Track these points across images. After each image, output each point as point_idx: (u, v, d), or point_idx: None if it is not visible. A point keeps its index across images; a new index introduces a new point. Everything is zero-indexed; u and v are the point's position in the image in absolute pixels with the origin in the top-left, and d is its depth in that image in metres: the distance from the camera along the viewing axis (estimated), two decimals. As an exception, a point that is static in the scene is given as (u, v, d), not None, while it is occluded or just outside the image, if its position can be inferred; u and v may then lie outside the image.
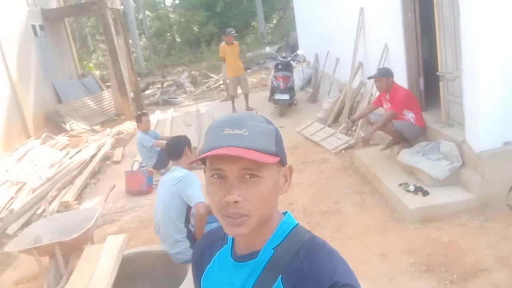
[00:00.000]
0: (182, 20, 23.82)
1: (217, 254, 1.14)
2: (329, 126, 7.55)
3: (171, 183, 3.48)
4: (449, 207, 4.22)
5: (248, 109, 9.81)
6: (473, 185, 4.25)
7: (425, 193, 4.39)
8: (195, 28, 23.73)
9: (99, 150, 8.35)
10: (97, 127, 10.84)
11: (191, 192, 3.40)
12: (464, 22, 4.20)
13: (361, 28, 7.15)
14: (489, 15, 3.97)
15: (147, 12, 24.90)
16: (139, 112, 8.07)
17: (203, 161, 1.02)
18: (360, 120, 6.34)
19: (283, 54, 10.04)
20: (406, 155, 4.93)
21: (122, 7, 22.08)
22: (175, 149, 3.62)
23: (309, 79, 10.83)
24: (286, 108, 9.09)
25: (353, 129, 6.36)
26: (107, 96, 12.69)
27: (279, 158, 0.99)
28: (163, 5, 25.67)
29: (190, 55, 21.40)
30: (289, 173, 1.06)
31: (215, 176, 0.97)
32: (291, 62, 9.62)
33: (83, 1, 12.82)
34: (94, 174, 7.40)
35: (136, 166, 6.53)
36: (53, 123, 10.23)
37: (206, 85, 14.65)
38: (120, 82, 11.29)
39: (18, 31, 10.02)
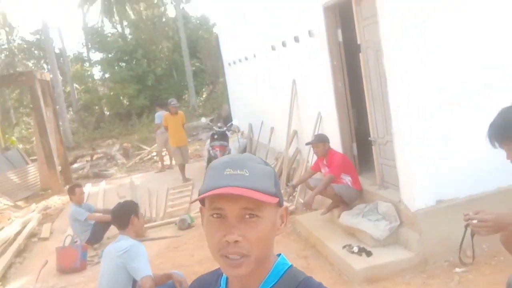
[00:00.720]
0: (112, 93, 23.64)
1: None
2: (267, 193, 7.63)
3: (116, 254, 3.31)
4: (392, 266, 4.33)
5: (185, 180, 9.71)
6: (412, 243, 4.43)
7: (369, 254, 4.50)
8: (125, 101, 23.63)
9: (24, 227, 7.78)
10: (20, 203, 10.16)
11: (138, 265, 3.24)
12: (391, 90, 4.58)
13: (295, 98, 7.53)
14: (411, 84, 4.38)
15: (75, 85, 24.54)
16: (71, 184, 7.72)
17: (202, 201, 1.02)
18: (299, 186, 6.49)
19: (219, 124, 10.23)
20: (347, 217, 5.08)
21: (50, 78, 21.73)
22: (120, 217, 3.49)
23: (244, 149, 11.02)
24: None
25: (293, 194, 6.47)
26: (32, 170, 12.04)
27: (278, 199, 1.02)
28: (91, 79, 25.44)
29: (121, 128, 21.14)
30: (285, 214, 1.09)
31: (215, 215, 0.99)
32: (227, 132, 9.80)
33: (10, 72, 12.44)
34: (19, 253, 6.82)
35: (68, 241, 6.14)
36: (-29, 199, 9.45)
37: (139, 157, 14.41)
38: (48, 154, 10.82)
39: None
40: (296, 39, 7.02)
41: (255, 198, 0.96)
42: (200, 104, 23.60)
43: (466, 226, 2.39)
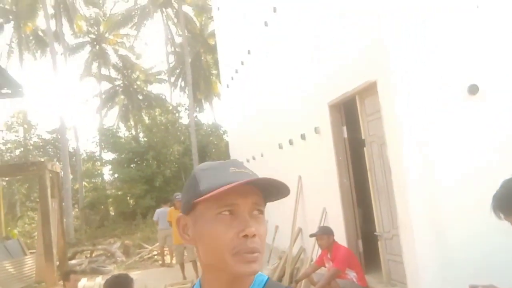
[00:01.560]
0: (119, 193, 23.80)
1: None
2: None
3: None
4: None
5: (198, 277, 9.21)
6: None
7: None
8: (131, 201, 23.64)
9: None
10: (11, 295, 9.74)
11: None
12: (395, 181, 4.60)
13: (300, 194, 7.53)
14: (417, 173, 4.40)
15: (84, 183, 24.82)
16: (67, 270, 7.46)
17: (188, 206, 1.01)
18: (303, 282, 6.23)
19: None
20: (352, 315, 4.79)
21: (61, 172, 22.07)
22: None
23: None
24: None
25: (296, 290, 6.21)
26: (29, 262, 11.71)
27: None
28: (100, 178, 25.82)
29: (124, 227, 20.89)
30: None
31: (226, 212, 0.96)
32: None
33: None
34: None
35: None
36: (-39, 287, 9.10)
37: (139, 255, 14.05)
38: (48, 245, 10.59)
39: None
40: (303, 137, 7.24)
41: (285, 185, 1.00)
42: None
43: None
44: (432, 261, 4.28)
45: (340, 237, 5.91)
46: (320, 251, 5.67)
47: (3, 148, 24.39)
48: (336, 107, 6.19)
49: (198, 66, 30.96)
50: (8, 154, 23.71)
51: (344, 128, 6.21)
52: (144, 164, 24.08)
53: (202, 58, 32.11)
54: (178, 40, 32.00)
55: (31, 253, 12.89)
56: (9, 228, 17.60)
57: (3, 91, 12.72)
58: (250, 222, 0.95)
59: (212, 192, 0.95)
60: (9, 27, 28.55)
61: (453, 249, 4.28)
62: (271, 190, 1.01)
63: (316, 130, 6.69)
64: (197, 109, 33.66)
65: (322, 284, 5.11)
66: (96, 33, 30.80)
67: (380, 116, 4.88)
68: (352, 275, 5.20)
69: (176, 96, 33.82)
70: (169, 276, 9.93)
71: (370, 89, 5.07)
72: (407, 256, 4.51)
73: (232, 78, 12.79)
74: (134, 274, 10.66)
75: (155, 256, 13.52)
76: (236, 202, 0.96)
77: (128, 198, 23.61)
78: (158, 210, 11.58)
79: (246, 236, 0.94)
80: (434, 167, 4.42)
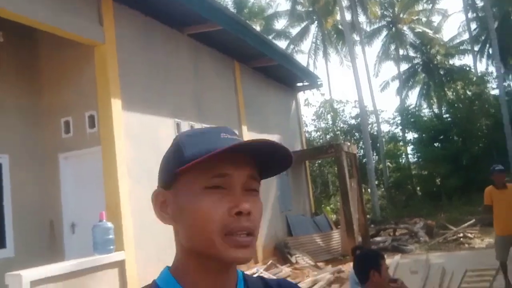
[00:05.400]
0: (424, 172, 23.36)
1: None
2: None
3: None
4: None
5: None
6: None
7: None
8: (437, 181, 22.82)
9: (314, 284, 8.23)
10: (321, 264, 10.85)
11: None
12: None
13: None
14: None
15: (388, 163, 25.37)
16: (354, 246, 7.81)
17: (169, 180, 0.86)
18: None
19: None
20: None
21: (360, 154, 23.22)
22: (359, 269, 3.25)
23: None
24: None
25: None
26: (336, 236, 12.81)
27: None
28: (404, 156, 25.93)
29: (430, 207, 20.30)
30: None
31: (214, 187, 0.80)
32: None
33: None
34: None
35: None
36: (280, 253, 10.72)
37: (443, 236, 13.40)
38: (348, 222, 11.34)
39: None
40: None
41: (287, 149, 0.82)
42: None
43: None
44: None
45: None
46: None
47: (316, 135, 27.31)
48: None
49: (506, 28, 27.08)
50: (319, 140, 26.41)
51: None
52: (449, 142, 22.84)
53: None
54: (480, 4, 28.83)
55: (338, 228, 14.07)
56: (322, 205, 19.68)
57: (304, 83, 14.29)
58: (245, 197, 0.79)
59: (199, 158, 0.78)
60: (313, 27, 31.88)
61: None
62: (270, 162, 0.83)
63: None
64: (510, 77, 29.62)
65: None
66: (391, 15, 30.89)
67: None
68: None
69: (484, 66, 30.70)
70: (476, 261, 9.06)
71: None
72: None
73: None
74: (434, 256, 10.30)
75: (461, 239, 12.64)
76: (228, 172, 0.80)
77: (434, 178, 22.89)
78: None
79: (239, 213, 0.77)
80: None
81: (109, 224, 5.74)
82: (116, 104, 6.45)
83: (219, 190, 0.80)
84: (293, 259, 10.46)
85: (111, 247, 5.77)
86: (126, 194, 6.32)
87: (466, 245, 11.58)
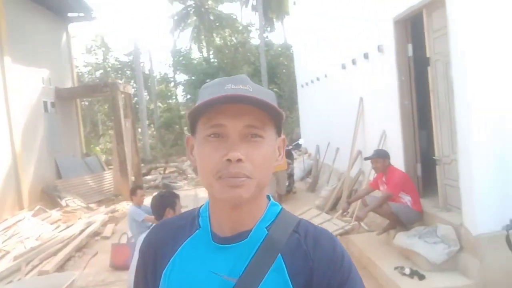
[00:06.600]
0: (192, 113, 24.63)
1: (186, 242, 0.99)
2: (326, 213, 7.38)
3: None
4: (446, 293, 3.93)
5: None
6: (472, 270, 4.00)
7: (422, 277, 4.13)
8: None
9: (89, 226, 8.15)
10: (93, 205, 10.69)
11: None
12: (458, 104, 4.25)
13: (361, 116, 7.29)
14: (481, 97, 4.02)
15: (159, 104, 25.84)
16: (134, 185, 8.00)
17: (193, 128, 0.95)
18: (358, 203, 6.20)
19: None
20: (402, 238, 4.73)
21: (133, 93, 23.00)
22: (157, 208, 3.50)
23: (309, 170, 10.84)
24: (285, 195, 8.97)
25: (347, 210, 6.16)
26: (108, 177, 12.70)
27: (283, 118, 0.94)
28: (174, 98, 26.73)
29: (196, 146, 21.79)
30: (282, 145, 1.01)
31: (213, 135, 0.89)
32: (292, 151, 9.70)
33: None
34: (80, 248, 7.13)
35: (124, 239, 6.30)
36: (49, 197, 10.12)
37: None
38: (122, 162, 11.36)
39: (29, 105, 10.30)
40: (366, 56, 6.86)
41: (264, 104, 0.87)
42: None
43: None
44: (489, 190, 4.01)
45: (399, 160, 5.72)
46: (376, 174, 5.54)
47: (85, 70, 25.69)
48: (402, 22, 5.71)
49: (269, -18, 29.76)
50: (89, 76, 24.98)
51: (410, 46, 5.75)
52: (215, 85, 24.51)
53: (274, -27, 30.77)
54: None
55: (110, 169, 13.92)
56: (91, 145, 19.02)
57: (77, 15, 13.15)
58: (237, 146, 0.87)
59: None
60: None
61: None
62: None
63: (379, 49, 6.28)
64: (268, 28, 32.94)
65: (373, 205, 5.05)
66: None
67: (447, 32, 4.44)
68: (406, 199, 5.06)
69: (248, 16, 33.27)
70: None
71: (439, 1, 4.57)
72: (464, 181, 4.27)
73: (299, -5, 12.21)
74: (201, 191, 11.24)
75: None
76: (223, 123, 0.88)
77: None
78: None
79: (229, 160, 0.87)
80: (502, 91, 4.02)
81: None
82: None
83: (217, 138, 0.89)
84: (63, 202, 10.00)
85: None
86: None
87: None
